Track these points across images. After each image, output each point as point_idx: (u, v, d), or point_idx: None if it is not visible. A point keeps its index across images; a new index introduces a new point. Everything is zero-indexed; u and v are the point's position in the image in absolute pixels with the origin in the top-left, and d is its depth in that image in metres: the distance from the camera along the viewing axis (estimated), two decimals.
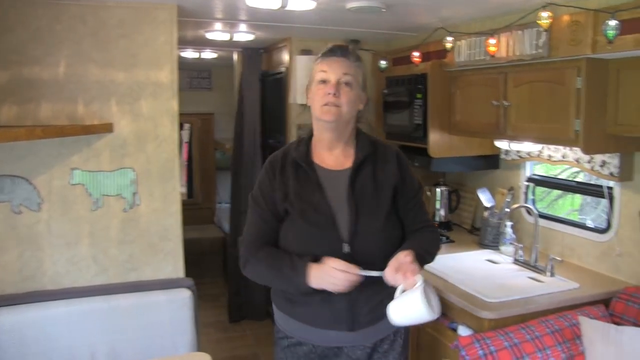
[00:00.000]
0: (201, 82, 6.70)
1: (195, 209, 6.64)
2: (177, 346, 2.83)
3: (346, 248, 1.91)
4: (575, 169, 3.42)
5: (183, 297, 2.86)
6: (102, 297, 2.75)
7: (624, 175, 2.81)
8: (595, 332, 2.41)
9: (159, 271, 2.94)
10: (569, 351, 2.40)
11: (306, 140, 2.07)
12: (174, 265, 2.97)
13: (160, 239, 2.93)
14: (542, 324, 2.46)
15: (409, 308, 1.77)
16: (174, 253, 2.97)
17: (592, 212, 4.52)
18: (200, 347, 2.93)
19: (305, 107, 2.10)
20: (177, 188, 2.95)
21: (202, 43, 4.49)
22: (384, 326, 2.01)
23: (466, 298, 2.66)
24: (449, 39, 3.20)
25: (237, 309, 4.96)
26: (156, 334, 2.79)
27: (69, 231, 2.77)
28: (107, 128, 2.76)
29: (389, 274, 1.82)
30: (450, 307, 2.76)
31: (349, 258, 1.87)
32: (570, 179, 3.65)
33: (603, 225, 3.06)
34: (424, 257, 1.98)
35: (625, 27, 2.23)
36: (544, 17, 2.49)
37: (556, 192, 3.85)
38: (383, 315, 1.91)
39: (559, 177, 3.64)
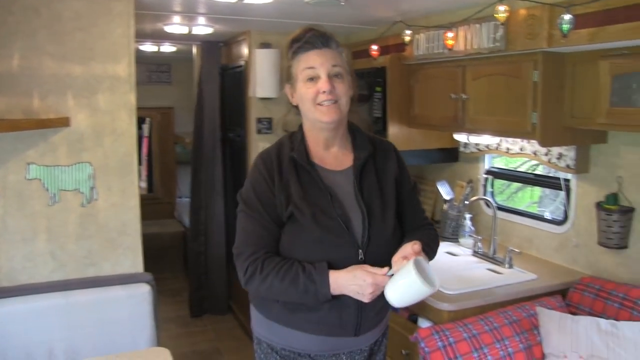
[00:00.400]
0: (161, 76, 6.60)
1: (155, 204, 6.56)
2: (136, 342, 2.79)
3: (361, 255, 1.77)
4: (535, 162, 3.46)
5: (142, 292, 2.82)
6: (60, 293, 2.69)
7: (580, 167, 2.86)
8: (552, 322, 2.45)
9: (118, 266, 2.89)
10: (526, 341, 2.43)
11: (301, 138, 1.87)
12: (133, 260, 2.93)
13: (118, 234, 2.88)
14: (501, 315, 2.49)
15: (404, 285, 1.64)
16: (133, 248, 2.92)
17: (551, 204, 4.59)
18: (160, 342, 2.88)
19: (290, 107, 1.93)
20: (135, 182, 2.90)
21: (161, 36, 4.41)
22: (380, 328, 1.97)
23: None
24: (408, 32, 3.20)
25: (198, 303, 4.91)
26: (115, 329, 2.75)
27: (25, 227, 2.70)
28: (64, 122, 2.69)
29: (397, 262, 1.70)
30: None
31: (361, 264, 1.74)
32: (529, 171, 3.70)
33: (561, 217, 3.10)
34: (427, 253, 1.82)
35: (580, 22, 2.25)
36: (501, 11, 2.50)
37: (516, 184, 3.89)
38: (384, 316, 1.92)
39: (518, 169, 3.69)
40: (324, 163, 1.86)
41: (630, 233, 2.69)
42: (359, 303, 1.75)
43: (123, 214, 2.87)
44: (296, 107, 1.88)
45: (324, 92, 1.75)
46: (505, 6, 2.50)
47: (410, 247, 1.68)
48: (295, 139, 1.88)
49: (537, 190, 4.33)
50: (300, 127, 1.91)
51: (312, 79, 1.77)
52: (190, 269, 5.00)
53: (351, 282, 1.67)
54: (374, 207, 1.83)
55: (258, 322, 1.97)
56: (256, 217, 1.79)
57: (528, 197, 4.63)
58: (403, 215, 1.95)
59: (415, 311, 2.78)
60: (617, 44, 2.24)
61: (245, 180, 1.89)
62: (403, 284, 1.63)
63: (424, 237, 1.86)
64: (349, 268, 1.69)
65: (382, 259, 1.74)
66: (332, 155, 1.88)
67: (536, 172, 3.64)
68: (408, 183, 2.00)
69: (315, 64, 1.76)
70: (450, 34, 2.90)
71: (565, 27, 2.25)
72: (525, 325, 2.47)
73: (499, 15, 2.51)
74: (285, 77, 1.88)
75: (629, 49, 2.27)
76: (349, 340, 1.87)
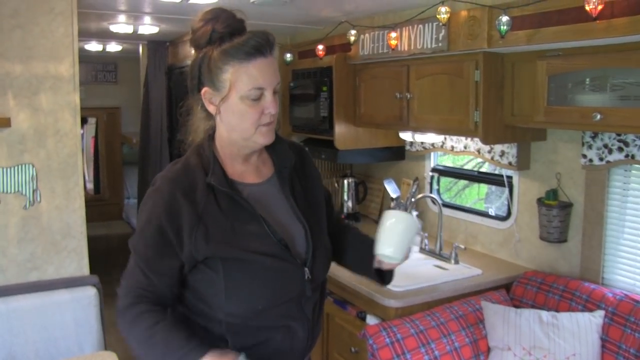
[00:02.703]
0: (107, 76, 6.47)
1: (102, 205, 6.44)
2: (82, 346, 2.74)
3: (307, 274, 1.55)
4: (480, 160, 3.54)
5: (88, 296, 2.76)
6: (0, 299, 2.60)
7: (522, 164, 2.94)
8: (496, 315, 2.51)
9: (63, 269, 2.82)
10: (472, 335, 2.48)
11: (213, 155, 1.53)
12: (78, 263, 2.87)
13: (63, 237, 2.81)
14: (447, 310, 2.54)
15: (395, 229, 1.55)
16: (78, 250, 2.86)
17: (497, 200, 4.70)
18: (107, 346, 2.84)
19: (208, 117, 1.57)
20: (80, 184, 2.85)
21: (107, 35, 4.32)
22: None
23: (373, 287, 2.68)
24: (353, 32, 3.22)
25: None
26: (60, 334, 2.68)
27: None
28: (4, 123, 2.61)
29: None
30: (358, 296, 2.79)
31: (308, 285, 1.56)
32: (475, 169, 3.77)
33: (505, 213, 3.18)
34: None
35: (517, 23, 2.32)
36: (443, 12, 2.55)
37: (463, 182, 3.97)
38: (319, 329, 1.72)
39: (464, 167, 3.76)
40: (244, 178, 1.57)
41: (569, 227, 2.78)
42: (308, 321, 1.59)
43: (67, 216, 2.81)
44: (210, 115, 1.55)
45: (270, 113, 1.48)
46: (447, 7, 2.55)
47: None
48: (206, 157, 1.53)
49: (484, 187, 4.41)
50: (210, 139, 1.56)
51: (256, 99, 1.46)
52: None
53: None
54: (310, 217, 1.61)
55: None
56: (153, 259, 1.47)
57: (475, 194, 4.72)
58: (328, 220, 1.74)
59: (363, 308, 2.80)
60: (552, 45, 2.31)
61: (140, 210, 1.53)
62: (395, 230, 1.55)
63: (360, 234, 1.82)
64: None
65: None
66: (252, 168, 1.60)
67: (482, 169, 3.73)
68: (323, 185, 1.81)
69: (264, 83, 1.46)
70: (393, 34, 2.94)
71: (503, 28, 2.31)
72: (470, 319, 2.53)
73: (441, 16, 2.56)
74: (205, 76, 1.48)
75: (563, 50, 2.35)
76: None
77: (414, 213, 1.57)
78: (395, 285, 2.67)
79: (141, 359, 1.49)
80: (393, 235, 1.55)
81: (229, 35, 1.46)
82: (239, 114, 1.47)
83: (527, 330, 2.43)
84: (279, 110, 1.53)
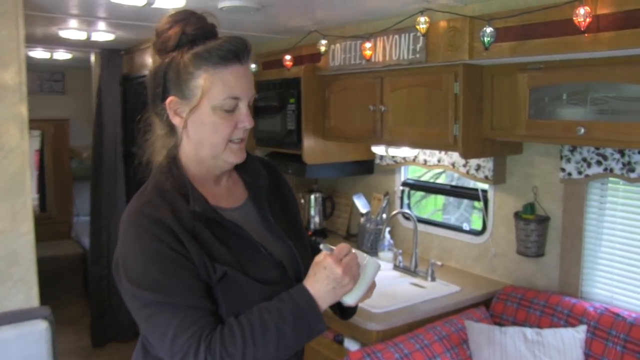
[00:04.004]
0: (53, 85, 6.13)
1: (49, 224, 6.07)
2: None
3: None
4: (437, 171, 3.52)
5: (38, 330, 2.49)
6: None
7: (498, 178, 2.90)
8: (480, 335, 2.44)
9: (8, 302, 2.55)
10: (457, 356, 2.40)
11: (187, 178, 1.34)
12: (26, 294, 2.60)
13: (8, 265, 2.55)
14: (430, 332, 2.45)
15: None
16: (26, 280, 2.60)
17: (455, 211, 4.69)
18: None
19: (170, 133, 1.39)
20: (28, 205, 2.59)
21: (55, 42, 4.07)
22: None
23: None
24: (323, 42, 3.12)
25: (101, 331, 4.55)
26: None
27: None
28: None
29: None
30: (334, 319, 2.63)
31: None
32: (432, 180, 3.73)
33: (466, 226, 3.18)
34: None
35: (500, 35, 2.27)
36: (422, 22, 2.48)
37: (420, 193, 3.90)
38: None
39: (428, 180, 3.72)
40: (219, 202, 1.38)
41: (546, 241, 2.75)
42: (301, 355, 1.49)
43: (13, 242, 2.55)
44: (173, 130, 1.37)
45: (244, 127, 1.33)
46: (426, 17, 2.48)
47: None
48: (179, 181, 1.34)
49: (441, 198, 4.38)
50: (175, 159, 1.37)
51: (231, 110, 1.31)
52: (91, 295, 4.63)
53: (328, 284, 1.27)
54: (294, 238, 1.46)
55: None
56: (180, 300, 1.23)
57: (432, 205, 4.69)
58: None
59: (339, 331, 2.69)
60: (535, 58, 2.27)
61: (128, 256, 1.28)
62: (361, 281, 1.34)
63: None
64: (311, 271, 1.30)
65: None
66: (224, 191, 1.44)
67: (439, 180, 3.70)
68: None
69: (241, 92, 1.31)
70: (368, 45, 2.86)
71: (487, 40, 2.26)
72: (454, 340, 2.45)
73: (420, 26, 2.49)
74: (171, 83, 1.31)
75: (544, 63, 2.32)
76: None
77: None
78: (373, 307, 2.57)
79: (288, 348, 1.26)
80: (362, 285, 1.35)
81: (201, 38, 1.31)
82: (209, 126, 1.31)
83: (513, 350, 2.37)
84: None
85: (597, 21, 1.95)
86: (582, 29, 1.94)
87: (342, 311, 1.56)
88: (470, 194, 3.20)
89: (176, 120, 1.33)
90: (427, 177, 3.79)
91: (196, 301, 1.24)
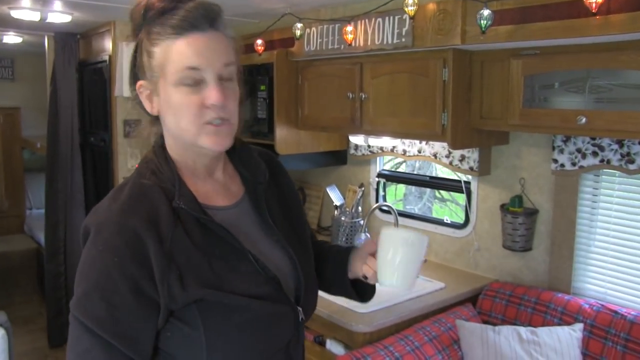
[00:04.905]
0: (2, 72, 5.76)
1: (0, 218, 5.72)
2: None
3: (301, 314, 1.24)
4: (399, 160, 3.42)
5: None
6: None
7: (483, 169, 2.78)
8: (472, 335, 2.32)
9: None
10: (449, 358, 2.28)
11: (174, 170, 1.17)
12: None
13: None
14: (420, 332, 2.32)
15: (399, 254, 1.25)
16: None
17: (417, 201, 4.58)
18: None
19: (154, 121, 1.22)
20: None
21: (4, 24, 3.74)
22: None
23: (333, 309, 2.42)
24: (299, 25, 2.93)
25: (58, 331, 4.27)
26: None
27: None
28: None
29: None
30: (315, 319, 2.49)
31: (302, 327, 1.28)
32: (393, 169, 3.59)
33: (447, 219, 3.08)
34: None
35: (496, 19, 2.13)
36: (410, 4, 2.32)
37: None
38: None
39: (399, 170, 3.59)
40: (211, 200, 1.21)
41: (534, 235, 2.65)
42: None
43: None
44: (156, 118, 1.20)
45: (214, 105, 1.11)
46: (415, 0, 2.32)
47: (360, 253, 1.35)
48: (164, 174, 1.17)
49: (402, 188, 4.26)
50: (161, 149, 1.21)
51: (193, 84, 1.11)
52: (47, 293, 4.33)
53: None
54: (295, 242, 1.30)
55: None
56: (116, 347, 1.06)
57: (392, 195, 4.58)
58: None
59: (320, 332, 2.53)
60: (533, 43, 2.15)
61: (85, 270, 1.10)
62: (399, 254, 1.25)
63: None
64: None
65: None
66: (218, 186, 1.25)
67: (400, 169, 3.57)
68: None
69: (200, 62, 1.10)
70: (349, 28, 2.68)
71: (484, 23, 2.11)
72: (445, 340, 2.32)
73: (408, 8, 2.33)
74: (137, 68, 1.19)
75: (540, 49, 2.21)
76: None
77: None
78: (357, 306, 2.42)
79: None
80: (405, 262, 1.26)
81: (168, 11, 1.13)
82: (176, 108, 1.12)
83: (507, 350, 2.26)
84: (235, 105, 1.16)
85: (607, 3, 1.83)
86: (594, 10, 1.82)
87: (360, 291, 1.42)
88: (451, 186, 3.08)
89: (147, 106, 1.18)
90: (387, 167, 3.65)
91: (135, 353, 1.08)
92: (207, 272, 1.10)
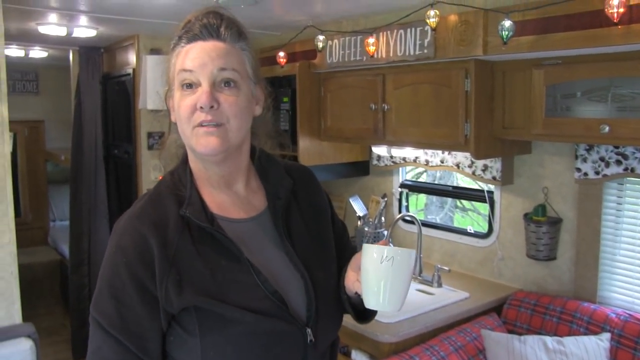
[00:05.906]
0: (27, 85, 5.85)
1: (23, 230, 5.76)
2: None
3: (310, 335, 1.19)
4: (420, 170, 3.41)
5: (21, 350, 2.28)
6: None
7: (506, 179, 2.78)
8: (498, 345, 2.32)
9: None
10: None
11: (188, 179, 1.21)
12: (7, 310, 2.41)
13: None
14: (445, 342, 2.32)
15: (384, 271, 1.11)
16: (7, 294, 2.41)
17: (439, 211, 4.58)
18: None
19: (170, 123, 1.26)
20: (9, 214, 2.40)
21: (31, 39, 3.84)
22: None
23: None
24: (321, 37, 2.96)
25: (82, 342, 4.28)
26: None
27: None
28: None
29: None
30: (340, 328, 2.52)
31: (312, 350, 1.19)
32: (414, 179, 3.60)
33: (471, 229, 3.07)
34: None
35: (517, 29, 2.14)
36: (432, 16, 2.33)
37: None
38: None
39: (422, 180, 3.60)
40: (226, 212, 1.22)
41: (558, 244, 2.64)
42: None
43: None
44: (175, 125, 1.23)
45: (201, 108, 1.13)
46: (436, 11, 2.34)
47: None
48: (179, 181, 1.22)
49: (422, 197, 4.25)
50: (185, 159, 1.26)
51: (190, 86, 1.15)
52: (71, 304, 4.39)
53: None
54: (312, 263, 1.25)
55: None
56: (124, 344, 1.12)
57: (413, 205, 4.59)
58: (340, 259, 1.35)
59: (346, 342, 2.55)
60: (555, 53, 2.16)
61: (102, 270, 1.18)
62: (380, 273, 1.12)
63: None
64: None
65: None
66: (238, 199, 1.25)
67: (421, 179, 3.57)
68: (338, 218, 1.45)
69: (194, 65, 1.14)
70: (371, 40, 2.71)
71: (506, 33, 2.13)
72: (470, 350, 2.32)
73: (430, 20, 2.35)
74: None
75: (562, 58, 2.21)
76: None
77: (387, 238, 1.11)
78: (382, 316, 2.42)
79: None
80: (380, 281, 1.12)
81: (187, 25, 1.20)
82: (177, 110, 1.17)
83: (533, 359, 2.25)
84: (234, 111, 1.15)
85: (629, 12, 1.84)
86: (615, 20, 1.82)
87: (359, 313, 1.32)
88: (474, 196, 3.09)
89: (172, 115, 1.22)
90: (408, 177, 3.66)
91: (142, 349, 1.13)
92: (208, 281, 1.12)
